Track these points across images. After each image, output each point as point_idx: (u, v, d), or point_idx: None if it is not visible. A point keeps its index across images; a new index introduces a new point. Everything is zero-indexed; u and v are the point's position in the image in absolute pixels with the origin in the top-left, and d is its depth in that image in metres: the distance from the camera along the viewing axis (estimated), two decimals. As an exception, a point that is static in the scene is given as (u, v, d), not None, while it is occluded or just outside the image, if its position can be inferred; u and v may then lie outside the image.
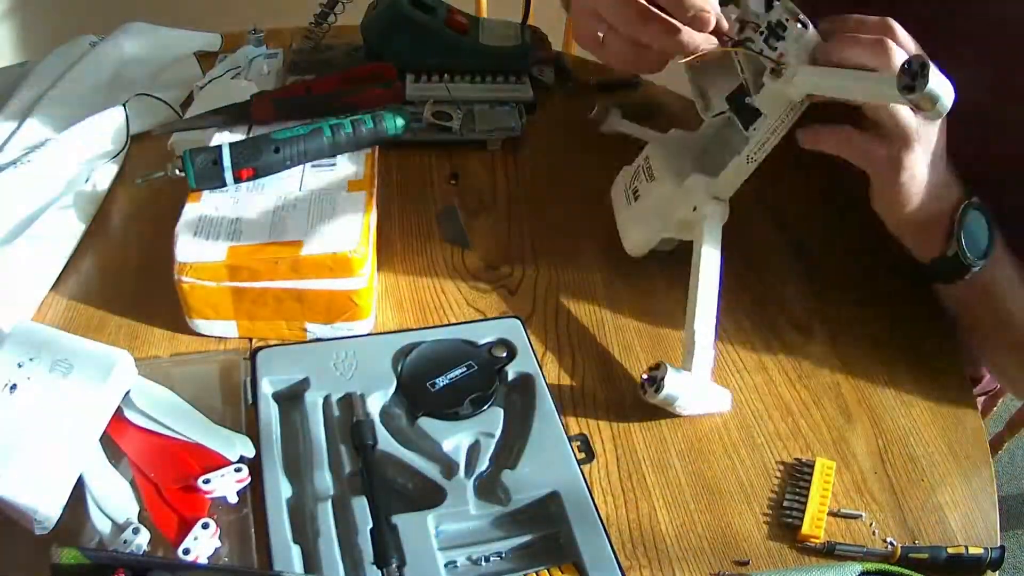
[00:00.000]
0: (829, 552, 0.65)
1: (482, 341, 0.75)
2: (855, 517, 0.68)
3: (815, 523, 0.66)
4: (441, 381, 0.71)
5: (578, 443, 0.69)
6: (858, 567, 0.63)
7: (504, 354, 0.74)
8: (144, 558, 0.57)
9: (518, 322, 0.77)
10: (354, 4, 1.09)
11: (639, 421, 0.73)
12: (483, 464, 0.67)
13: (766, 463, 0.71)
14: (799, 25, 0.69)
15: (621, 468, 0.70)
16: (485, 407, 0.70)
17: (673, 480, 0.69)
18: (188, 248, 0.73)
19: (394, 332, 0.77)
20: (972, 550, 0.65)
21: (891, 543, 0.66)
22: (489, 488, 0.65)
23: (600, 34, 0.75)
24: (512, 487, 0.64)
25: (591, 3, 0.73)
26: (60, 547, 0.52)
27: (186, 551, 0.58)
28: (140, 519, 0.60)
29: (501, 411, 0.70)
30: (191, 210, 0.77)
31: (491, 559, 0.62)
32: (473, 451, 0.68)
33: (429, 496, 0.64)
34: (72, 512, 0.60)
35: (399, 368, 0.72)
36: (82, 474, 0.61)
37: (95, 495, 0.60)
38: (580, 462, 0.67)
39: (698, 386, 0.72)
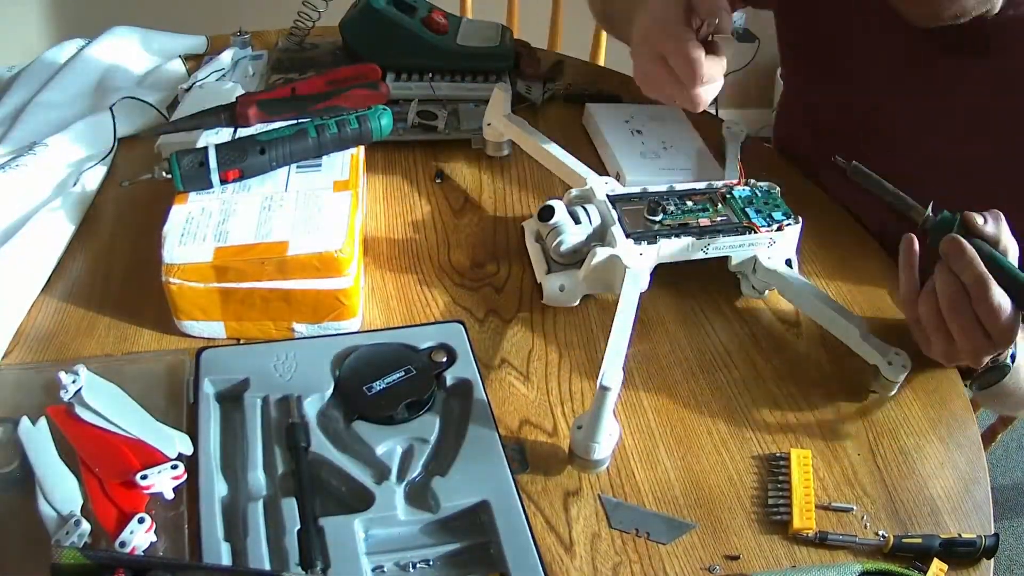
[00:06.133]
0: (821, 542, 0.65)
1: (423, 345, 0.74)
2: (846, 510, 0.68)
3: (804, 514, 0.66)
4: (378, 385, 0.70)
5: (512, 452, 0.68)
6: (858, 567, 0.63)
7: (444, 359, 0.73)
8: (144, 558, 0.58)
9: (460, 327, 0.76)
10: (339, 2, 1.09)
11: (627, 417, 0.73)
12: (415, 470, 0.66)
13: (756, 457, 0.71)
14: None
15: (610, 464, 0.70)
16: (421, 412, 0.69)
17: (662, 476, 0.69)
18: (175, 250, 0.73)
19: (335, 335, 0.76)
20: (965, 535, 0.65)
21: (882, 535, 0.65)
22: (419, 495, 0.65)
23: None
24: (442, 494, 0.64)
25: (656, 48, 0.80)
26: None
27: (122, 544, 0.59)
28: (84, 512, 0.61)
29: (437, 417, 0.70)
30: (178, 212, 0.77)
31: (419, 566, 0.61)
32: (406, 456, 0.67)
33: (359, 500, 0.64)
34: (24, 504, 0.61)
35: (337, 371, 0.72)
36: (33, 467, 0.63)
37: (44, 488, 0.62)
38: (513, 471, 0.66)
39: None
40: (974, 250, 0.68)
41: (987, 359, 0.72)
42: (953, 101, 0.89)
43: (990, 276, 0.68)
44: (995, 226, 0.71)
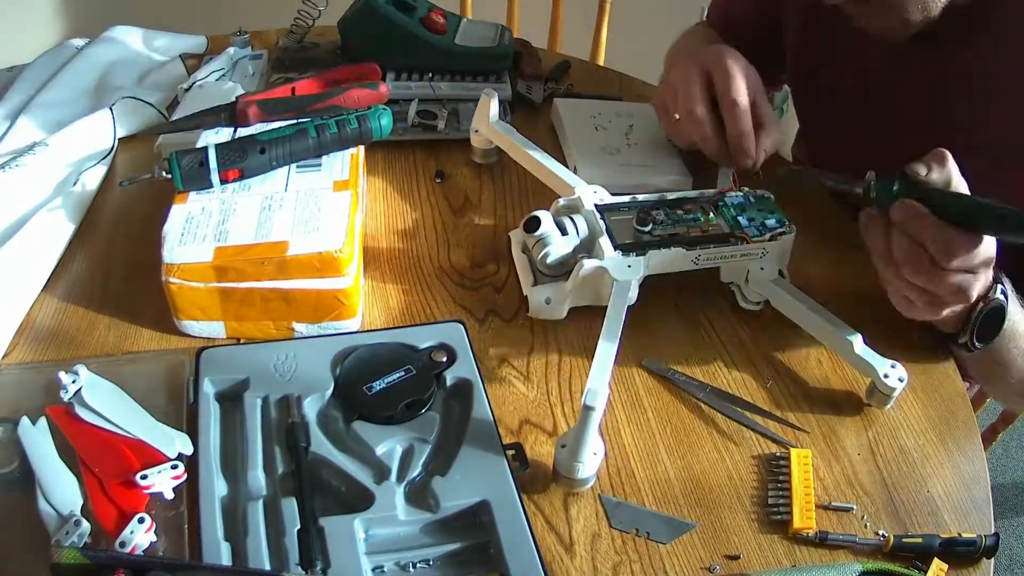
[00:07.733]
0: (821, 542, 0.65)
1: (423, 345, 0.74)
2: (846, 510, 0.68)
3: (805, 514, 0.66)
4: (378, 385, 0.70)
5: (512, 452, 0.68)
6: (858, 566, 0.63)
7: (444, 359, 0.73)
8: (144, 558, 0.58)
9: (460, 326, 0.76)
10: (339, 1, 1.09)
11: (627, 416, 0.73)
12: (415, 470, 0.66)
13: (756, 457, 0.71)
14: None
15: (610, 464, 0.70)
16: (421, 412, 0.69)
17: (662, 475, 0.69)
18: (175, 249, 0.73)
19: (335, 335, 0.76)
20: (965, 535, 0.65)
21: (882, 535, 0.65)
22: (419, 494, 0.64)
23: (676, 116, 0.91)
24: (442, 494, 0.64)
25: (681, 90, 0.89)
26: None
27: (122, 544, 0.59)
28: (84, 512, 0.61)
29: (437, 417, 0.70)
30: (178, 211, 0.77)
31: (419, 566, 0.61)
32: (406, 456, 0.67)
33: (359, 500, 0.64)
34: (24, 504, 0.61)
35: (337, 371, 0.71)
36: (33, 467, 0.63)
37: (44, 488, 0.62)
38: (513, 471, 0.66)
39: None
40: (924, 209, 0.66)
41: (976, 293, 0.70)
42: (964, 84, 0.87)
43: (946, 227, 0.65)
44: (940, 171, 0.68)
